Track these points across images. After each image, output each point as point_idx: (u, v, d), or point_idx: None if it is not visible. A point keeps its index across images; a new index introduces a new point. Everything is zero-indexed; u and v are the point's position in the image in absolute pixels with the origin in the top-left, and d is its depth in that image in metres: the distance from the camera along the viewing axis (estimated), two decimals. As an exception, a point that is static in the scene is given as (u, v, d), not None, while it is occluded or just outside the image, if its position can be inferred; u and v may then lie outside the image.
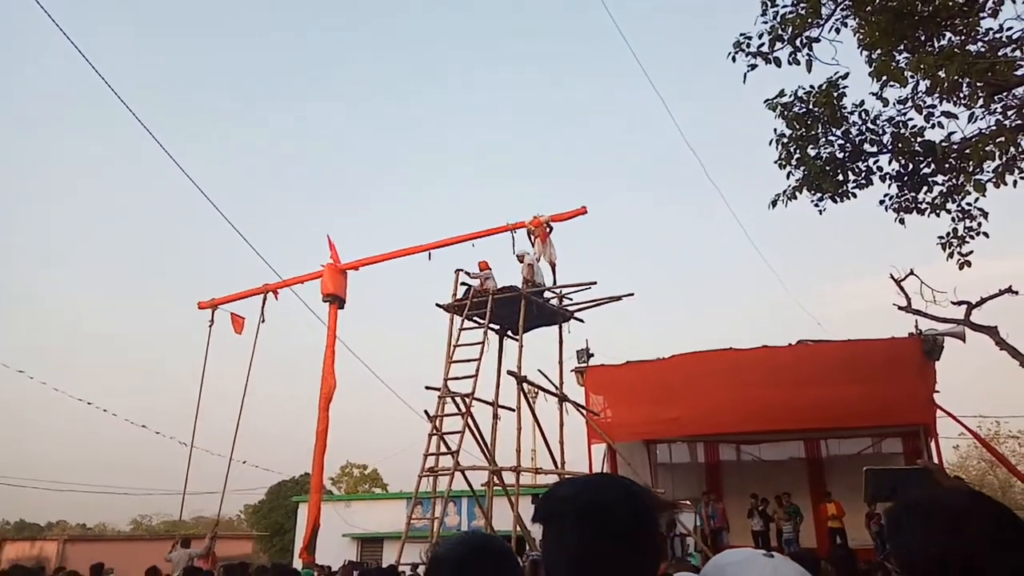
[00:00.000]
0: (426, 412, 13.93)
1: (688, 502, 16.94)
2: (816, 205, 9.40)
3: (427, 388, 14.24)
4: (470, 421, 13.43)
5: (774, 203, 9.43)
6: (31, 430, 71.56)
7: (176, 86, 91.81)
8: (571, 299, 15.37)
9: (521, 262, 14.80)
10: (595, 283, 14.74)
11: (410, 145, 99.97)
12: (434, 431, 13.57)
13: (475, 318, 14.59)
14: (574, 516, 1.14)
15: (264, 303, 15.80)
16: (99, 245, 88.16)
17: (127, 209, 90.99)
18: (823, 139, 9.06)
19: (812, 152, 9.05)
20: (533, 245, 14.81)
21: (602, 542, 1.11)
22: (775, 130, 9.10)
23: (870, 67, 8.29)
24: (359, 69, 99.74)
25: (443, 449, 13.48)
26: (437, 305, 15.10)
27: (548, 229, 14.69)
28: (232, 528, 47.68)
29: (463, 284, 14.98)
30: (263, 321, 15.72)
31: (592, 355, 16.10)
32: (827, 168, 8.98)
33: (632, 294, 15.04)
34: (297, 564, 15.05)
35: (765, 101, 8.99)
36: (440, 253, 15.54)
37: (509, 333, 15.52)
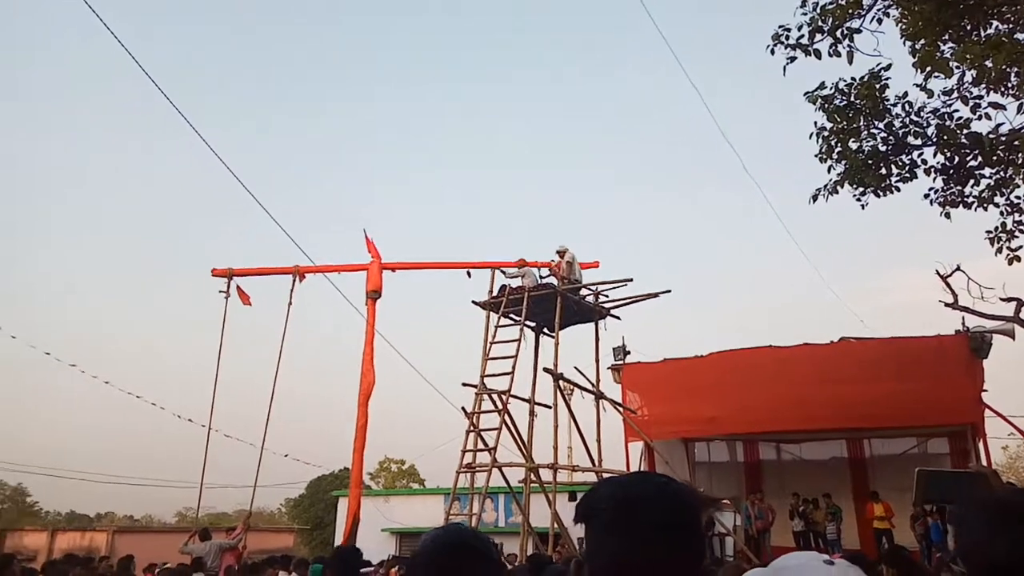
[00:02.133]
0: (463, 409, 14.02)
1: (727, 501, 16.77)
2: (858, 199, 9.24)
3: (464, 385, 14.32)
4: (507, 418, 13.47)
5: (815, 198, 9.30)
6: (81, 423, 73.81)
7: (211, 72, 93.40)
8: (607, 296, 15.31)
9: (561, 257, 14.79)
10: (631, 280, 14.68)
11: (446, 141, 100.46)
12: (471, 428, 13.65)
13: (511, 315, 14.62)
14: (613, 514, 1.13)
15: (293, 287, 15.14)
16: (141, 240, 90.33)
17: (157, 199, 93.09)
18: (865, 132, 8.90)
19: (854, 145, 8.89)
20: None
21: (641, 539, 1.10)
22: (815, 123, 8.97)
23: (913, 58, 8.12)
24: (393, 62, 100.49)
25: (480, 446, 13.55)
26: (473, 303, 15.16)
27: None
28: (273, 521, 48.58)
29: (513, 277, 14.85)
30: (291, 304, 15.11)
31: (628, 352, 16.01)
32: (870, 162, 8.81)
33: (669, 291, 14.93)
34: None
35: (805, 94, 8.86)
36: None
37: (545, 330, 15.52)
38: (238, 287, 15.03)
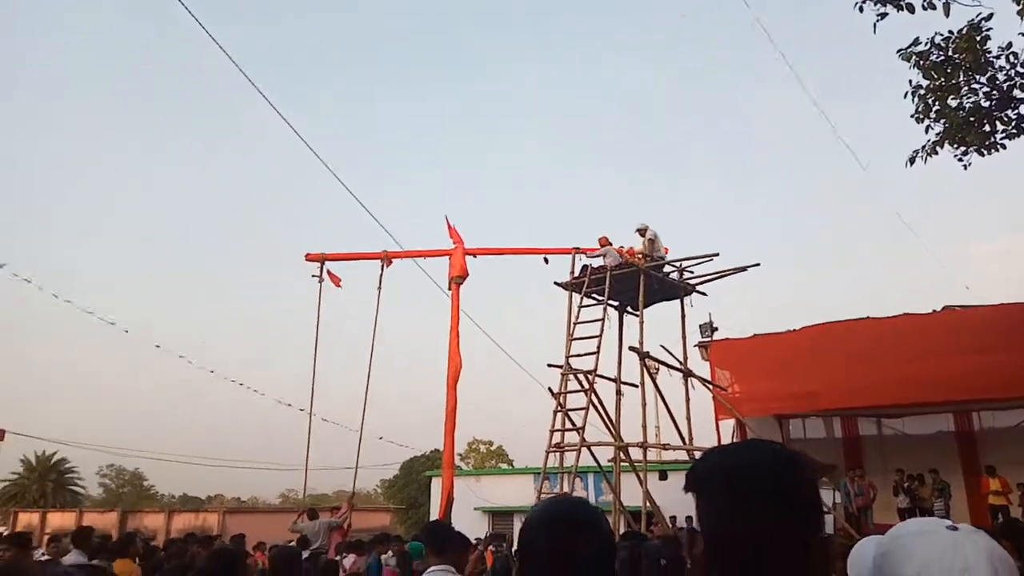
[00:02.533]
0: (550, 389, 14.10)
1: (825, 479, 16.26)
2: (960, 160, 8.72)
3: (549, 366, 14.40)
4: (593, 398, 13.47)
5: (912, 160, 8.83)
6: (193, 411, 78.30)
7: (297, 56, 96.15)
8: (692, 272, 15.03)
9: (642, 236, 14.62)
10: (717, 255, 14.35)
11: (528, 129, 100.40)
12: (559, 408, 13.72)
13: (594, 295, 14.56)
14: (723, 482, 1.10)
15: (383, 271, 15.35)
16: (232, 229, 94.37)
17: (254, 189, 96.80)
18: (966, 88, 8.38)
19: (953, 103, 8.39)
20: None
21: (758, 506, 1.06)
22: (910, 82, 8.51)
23: (1018, 5, 7.56)
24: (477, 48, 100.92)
25: (568, 425, 13.62)
26: (555, 284, 15.18)
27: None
28: (370, 501, 50.30)
29: (595, 257, 14.78)
30: (380, 289, 15.31)
31: (716, 329, 15.71)
32: (971, 119, 8.30)
33: (758, 264, 14.51)
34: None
35: (898, 51, 8.41)
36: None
37: (629, 309, 15.39)
38: (328, 271, 15.42)
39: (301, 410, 20.05)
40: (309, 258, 15.40)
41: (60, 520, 27.41)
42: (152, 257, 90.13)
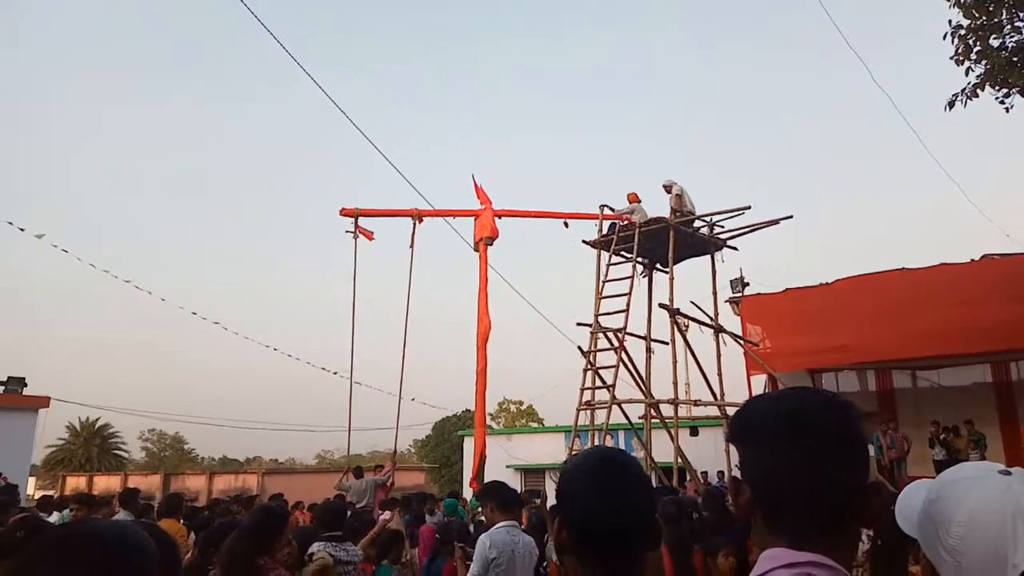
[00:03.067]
0: (580, 348, 14.10)
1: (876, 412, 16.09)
2: (1002, 102, 8.41)
3: (578, 324, 14.39)
4: (624, 355, 13.45)
5: (951, 104, 8.54)
6: (228, 375, 79.99)
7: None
8: (723, 227, 14.80)
9: (668, 192, 14.41)
10: (749, 208, 14.06)
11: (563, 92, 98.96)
12: (588, 366, 13.74)
13: (623, 252, 14.44)
14: (774, 428, 1.08)
15: (414, 229, 15.01)
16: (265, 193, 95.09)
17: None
18: (1008, 26, 8.03)
19: (995, 43, 8.06)
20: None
21: (813, 450, 1.05)
22: (950, 22, 8.17)
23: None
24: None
25: (598, 383, 13.64)
26: (584, 242, 15.07)
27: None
28: (404, 461, 51.24)
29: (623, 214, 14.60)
30: (412, 247, 14.76)
31: (747, 284, 15.52)
32: (1014, 59, 7.97)
33: (791, 216, 14.17)
34: (468, 493, 15.95)
35: (937, -9, 8.07)
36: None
37: (658, 265, 15.26)
38: (360, 227, 15.18)
39: (335, 373, 20.36)
40: (343, 212, 15.15)
41: (106, 483, 28.37)
42: (190, 224, 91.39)
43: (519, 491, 16.95)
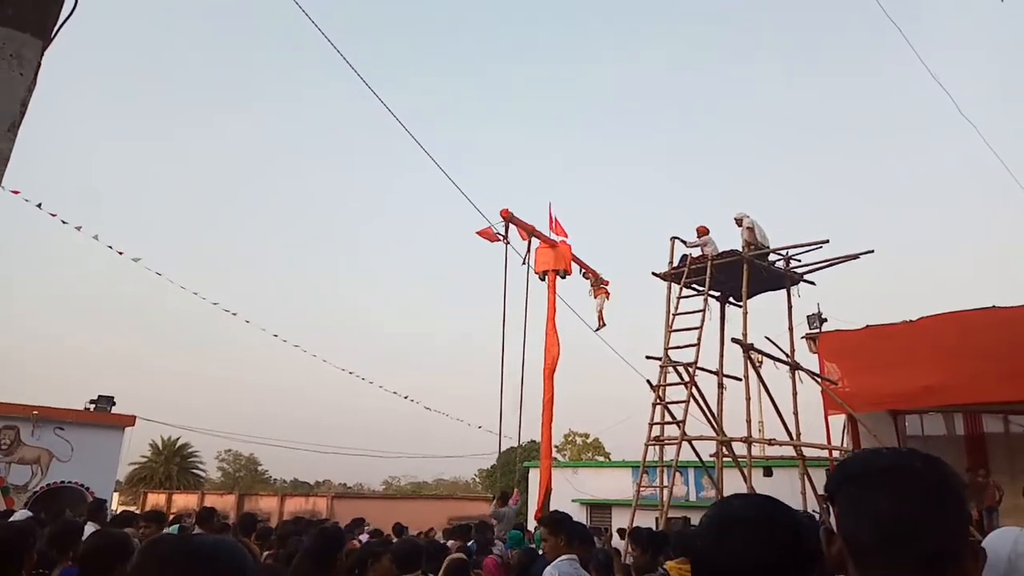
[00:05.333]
0: (648, 382, 13.88)
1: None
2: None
3: (648, 358, 14.17)
4: (694, 390, 13.16)
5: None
6: (303, 399, 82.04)
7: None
8: (799, 260, 14.41)
9: (739, 225, 14.15)
10: (827, 241, 13.67)
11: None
12: (658, 400, 13.49)
13: (694, 285, 14.21)
14: (878, 478, 1.10)
15: (529, 247, 15.00)
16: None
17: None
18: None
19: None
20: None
21: (910, 502, 1.06)
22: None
23: None
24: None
25: (668, 419, 13.37)
26: (653, 274, 14.90)
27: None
28: (469, 490, 51.21)
29: (694, 247, 14.45)
30: (525, 264, 14.95)
31: (825, 320, 15.03)
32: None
33: (872, 251, 13.71)
34: (532, 525, 15.79)
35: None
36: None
37: (731, 299, 14.94)
38: (489, 228, 15.06)
39: (405, 397, 20.58)
40: (503, 213, 15.08)
41: (184, 501, 29.35)
42: (271, 248, 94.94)
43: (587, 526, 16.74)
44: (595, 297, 15.38)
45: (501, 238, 14.90)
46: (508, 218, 14.80)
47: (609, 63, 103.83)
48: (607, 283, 15.47)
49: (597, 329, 15.31)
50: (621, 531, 6.13)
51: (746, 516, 1.30)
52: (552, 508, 14.91)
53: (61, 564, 3.85)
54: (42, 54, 1.90)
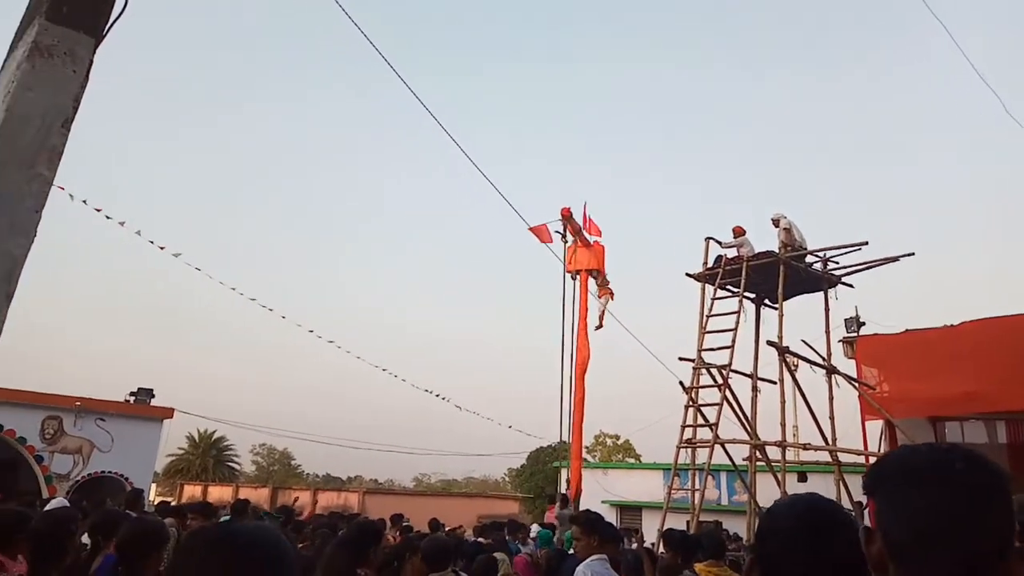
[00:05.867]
0: (681, 383, 13.77)
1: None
2: None
3: (680, 359, 14.05)
4: (728, 393, 13.02)
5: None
6: (336, 395, 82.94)
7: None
8: (837, 263, 14.16)
9: (776, 226, 13.96)
10: (866, 243, 13.40)
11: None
12: (690, 403, 13.38)
13: (728, 287, 14.06)
14: (915, 475, 1.08)
15: (572, 245, 14.88)
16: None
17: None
18: None
19: None
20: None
21: (948, 501, 1.03)
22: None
23: None
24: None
25: (700, 421, 13.25)
26: (687, 275, 14.77)
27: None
28: (498, 489, 51.28)
29: (729, 247, 14.31)
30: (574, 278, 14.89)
31: (863, 323, 14.76)
32: None
33: (912, 253, 13.43)
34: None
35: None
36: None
37: (767, 301, 14.75)
38: (546, 226, 15.01)
39: (437, 396, 20.69)
40: (564, 211, 14.93)
41: (219, 493, 29.89)
42: (305, 245, 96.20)
43: (620, 528, 16.75)
44: (600, 297, 15.27)
45: (559, 236, 14.89)
46: (567, 218, 14.73)
47: (622, 65, 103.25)
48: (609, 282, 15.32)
49: (595, 328, 15.26)
50: (670, 532, 6.15)
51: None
52: (582, 508, 14.89)
53: (104, 551, 3.94)
54: (94, 52, 1.95)
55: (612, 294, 15.19)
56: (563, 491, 13.73)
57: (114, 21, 2.02)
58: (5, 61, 2.03)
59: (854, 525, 1.30)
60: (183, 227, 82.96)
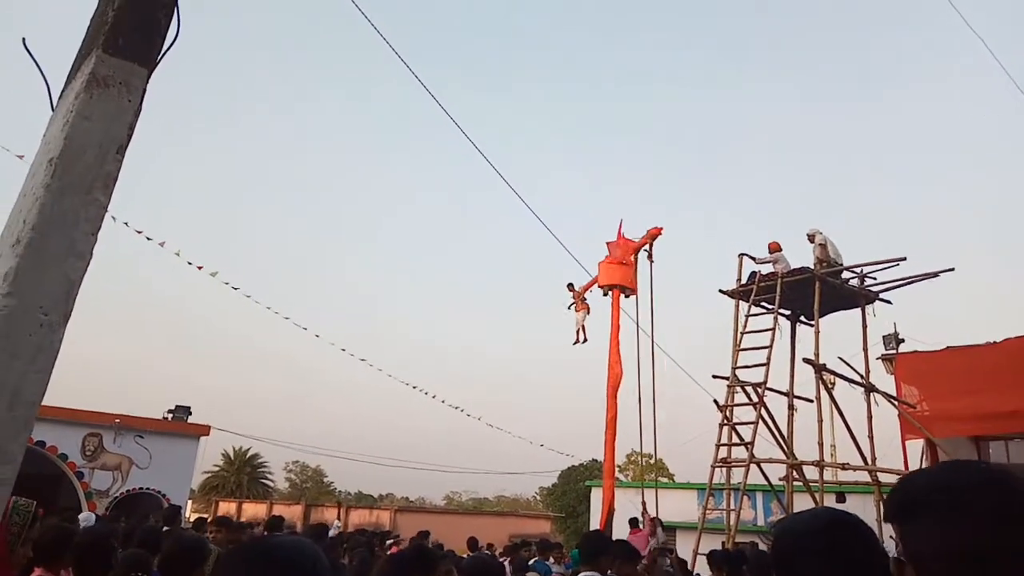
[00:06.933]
0: (715, 401, 13.62)
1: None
2: None
3: (714, 377, 13.91)
4: (763, 412, 12.83)
5: None
6: (368, 413, 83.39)
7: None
8: (874, 278, 13.93)
9: (812, 242, 13.79)
10: (904, 259, 13.18)
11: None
12: (724, 421, 13.21)
13: (763, 303, 13.90)
14: (936, 504, 1.02)
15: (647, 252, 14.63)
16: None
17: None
18: None
19: None
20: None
21: (976, 523, 0.99)
22: None
23: None
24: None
25: (735, 440, 13.06)
26: (721, 291, 14.64)
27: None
28: (529, 508, 50.95)
29: (763, 263, 14.18)
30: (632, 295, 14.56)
31: (902, 340, 14.49)
32: None
33: (952, 269, 13.17)
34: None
35: None
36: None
37: (803, 318, 14.54)
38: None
39: (468, 415, 20.69)
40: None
41: (253, 510, 30.18)
42: (346, 266, 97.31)
43: (651, 547, 16.52)
44: (577, 311, 15.22)
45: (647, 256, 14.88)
46: (655, 236, 14.74)
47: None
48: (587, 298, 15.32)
49: (575, 343, 15.18)
50: (712, 552, 6.12)
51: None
52: (615, 528, 14.72)
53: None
54: (147, 81, 2.03)
55: (588, 308, 15.17)
56: (653, 514, 13.63)
57: (166, 51, 2.10)
58: (63, 92, 2.12)
59: (873, 532, 1.26)
60: (218, 245, 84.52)
